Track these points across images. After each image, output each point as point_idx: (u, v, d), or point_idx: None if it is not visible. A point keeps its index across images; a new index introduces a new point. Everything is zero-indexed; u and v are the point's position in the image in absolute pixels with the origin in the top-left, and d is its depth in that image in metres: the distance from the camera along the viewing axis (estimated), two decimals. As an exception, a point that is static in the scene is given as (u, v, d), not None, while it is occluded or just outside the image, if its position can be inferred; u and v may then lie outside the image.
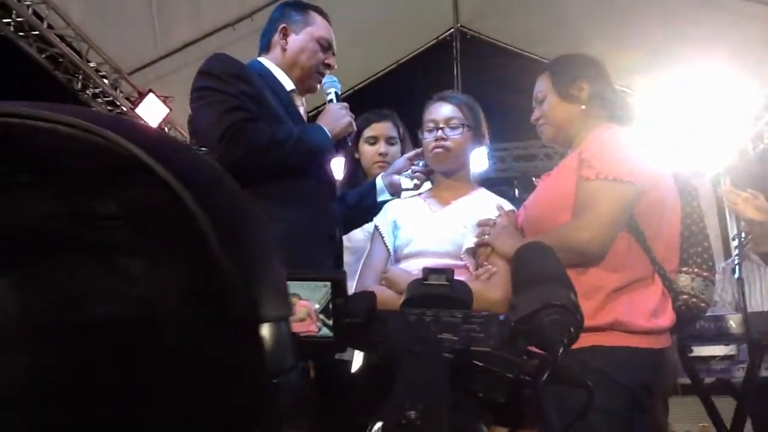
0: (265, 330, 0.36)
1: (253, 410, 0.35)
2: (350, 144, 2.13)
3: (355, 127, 2.08)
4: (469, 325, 0.70)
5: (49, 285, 0.30)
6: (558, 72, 1.91)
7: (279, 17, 2.12)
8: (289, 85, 2.06)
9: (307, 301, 0.74)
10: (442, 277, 0.77)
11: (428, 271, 0.78)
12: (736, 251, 3.27)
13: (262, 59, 2.09)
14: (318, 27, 2.10)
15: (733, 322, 2.88)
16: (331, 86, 2.11)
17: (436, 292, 0.76)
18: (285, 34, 2.08)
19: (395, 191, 2.17)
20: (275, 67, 2.06)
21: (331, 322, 0.73)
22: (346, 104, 2.09)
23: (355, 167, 2.51)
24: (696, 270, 1.75)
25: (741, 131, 5.67)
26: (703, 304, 1.74)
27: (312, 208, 1.91)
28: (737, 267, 3.06)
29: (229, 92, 1.83)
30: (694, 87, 5.31)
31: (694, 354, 3.23)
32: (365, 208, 2.18)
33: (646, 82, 5.61)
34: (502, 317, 0.71)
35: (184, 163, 0.37)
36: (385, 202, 2.16)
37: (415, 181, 2.13)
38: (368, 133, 2.52)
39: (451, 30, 7.12)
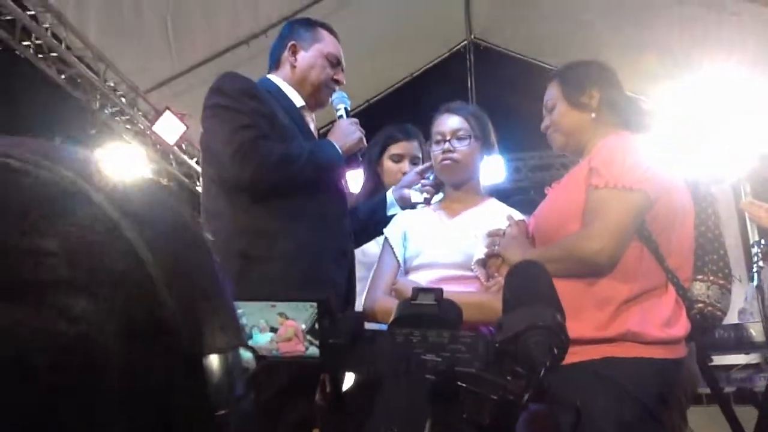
0: (211, 362, 0.35)
1: None
2: (361, 159, 2.13)
3: (365, 143, 2.09)
4: (455, 345, 0.70)
5: None
6: (567, 79, 1.89)
7: (288, 35, 2.13)
8: (299, 101, 2.07)
9: (294, 321, 0.74)
10: (430, 296, 0.77)
11: (417, 291, 0.78)
12: (755, 258, 3.22)
13: (272, 76, 2.11)
14: (326, 43, 2.11)
15: (753, 331, 2.84)
16: (340, 102, 2.11)
17: (425, 311, 0.76)
18: (294, 51, 2.09)
19: (405, 205, 2.17)
20: (285, 84, 2.07)
21: (318, 342, 0.73)
22: (356, 120, 2.10)
23: (375, 182, 2.49)
24: (712, 278, 1.72)
25: (762, 137, 5.59)
26: (719, 313, 1.71)
27: (324, 224, 1.91)
28: (756, 275, 3.01)
29: (241, 110, 1.85)
30: (713, 93, 5.26)
31: (714, 363, 3.18)
32: (376, 221, 2.19)
33: (665, 89, 5.56)
34: (487, 337, 0.71)
35: (125, 192, 0.36)
36: (395, 215, 2.16)
37: (425, 194, 2.13)
38: (394, 150, 2.50)
39: (465, 42, 7.13)
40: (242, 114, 1.84)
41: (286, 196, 1.85)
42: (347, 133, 2.02)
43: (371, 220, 2.22)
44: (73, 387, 0.30)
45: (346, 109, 2.11)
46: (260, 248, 1.78)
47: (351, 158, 2.05)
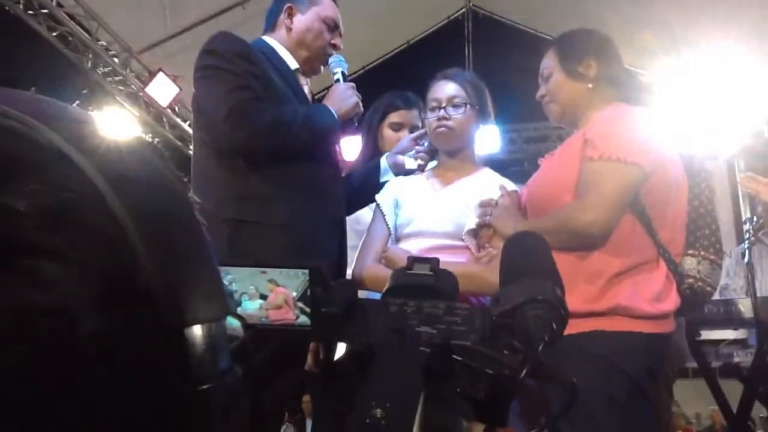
0: (193, 334, 0.34)
1: (181, 420, 0.33)
2: (357, 125, 2.10)
3: (361, 108, 2.04)
4: (451, 318, 0.69)
5: None
6: (565, 48, 1.86)
7: None
8: (293, 64, 2.02)
9: (285, 288, 0.72)
10: (426, 267, 0.75)
11: (413, 260, 0.76)
12: (747, 235, 3.23)
13: (267, 38, 2.06)
14: (324, 7, 2.06)
15: (742, 307, 2.85)
16: (337, 66, 2.07)
17: (420, 282, 0.74)
18: (291, 14, 2.04)
19: (399, 171, 2.15)
20: (280, 46, 2.03)
21: (308, 311, 0.72)
22: (353, 84, 2.05)
23: (373, 150, 2.44)
24: (703, 253, 1.71)
25: (756, 113, 5.58)
26: (709, 288, 1.71)
27: (317, 192, 1.89)
28: (747, 251, 3.02)
29: (234, 71, 1.81)
30: (709, 69, 5.24)
31: (702, 338, 3.21)
32: (369, 188, 2.16)
33: (662, 64, 5.53)
34: (485, 310, 0.70)
35: (108, 155, 0.34)
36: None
37: (419, 161, 2.11)
38: (394, 118, 2.45)
39: (463, 9, 7.05)
40: (235, 75, 1.80)
41: (279, 161, 1.81)
42: (343, 98, 1.99)
43: (365, 186, 2.19)
44: (45, 360, 0.28)
45: (343, 72, 2.07)
46: (252, 214, 1.76)
47: (347, 123, 2.02)
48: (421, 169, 2.10)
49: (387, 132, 2.46)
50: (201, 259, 0.38)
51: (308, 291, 0.72)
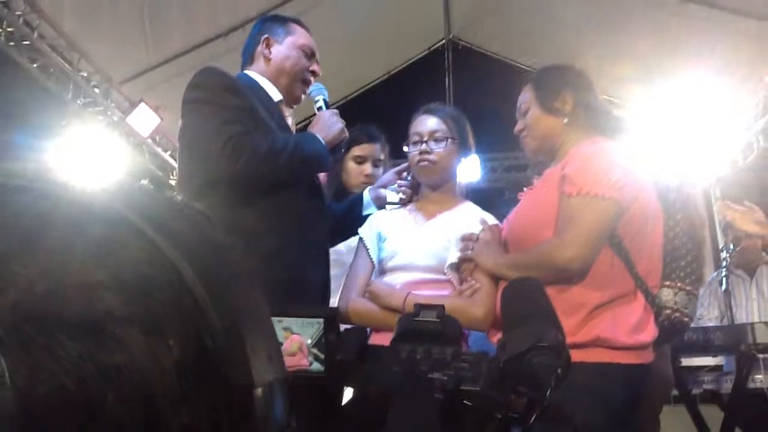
0: (260, 393, 0.36)
1: None
2: (342, 151, 2.13)
3: (347, 133, 2.07)
4: (459, 363, 0.70)
5: (43, 360, 0.28)
6: (541, 84, 1.90)
7: (260, 30, 2.13)
8: (276, 96, 2.05)
9: (299, 336, 0.74)
10: (432, 314, 0.77)
11: (420, 307, 0.78)
12: (724, 263, 3.28)
13: (249, 72, 2.09)
14: (300, 36, 2.11)
15: (720, 334, 2.89)
16: (318, 93, 2.10)
17: (428, 328, 0.76)
18: (268, 45, 2.08)
19: (381, 205, 2.17)
20: (262, 78, 2.06)
21: (323, 357, 0.73)
22: (336, 111, 2.09)
23: (337, 183, 2.51)
24: (679, 284, 1.75)
25: (731, 142, 5.69)
26: (686, 319, 1.74)
27: (305, 221, 1.90)
28: (724, 279, 3.06)
29: (224, 105, 1.83)
30: (684, 99, 5.34)
31: (683, 365, 3.24)
32: (351, 221, 2.18)
33: (638, 94, 5.64)
34: (490, 356, 0.72)
35: (177, 227, 0.36)
36: (370, 215, 2.16)
37: (401, 195, 2.13)
38: (357, 152, 2.52)
39: (443, 41, 7.15)
40: (226, 109, 1.82)
41: (268, 192, 1.83)
42: (329, 124, 2.01)
43: (347, 219, 2.21)
44: (137, 421, 0.30)
45: (324, 100, 2.10)
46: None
47: (334, 149, 2.04)
48: (402, 202, 2.12)
49: (350, 165, 2.52)
50: (261, 319, 0.40)
51: (323, 339, 0.74)
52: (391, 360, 0.73)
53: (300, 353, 0.74)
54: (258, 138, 1.81)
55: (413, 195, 2.14)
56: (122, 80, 5.58)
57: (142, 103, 5.45)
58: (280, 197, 1.85)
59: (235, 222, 1.78)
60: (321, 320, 0.74)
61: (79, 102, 5.47)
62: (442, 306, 0.79)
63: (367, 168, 2.49)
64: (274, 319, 0.75)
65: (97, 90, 5.53)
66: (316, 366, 0.74)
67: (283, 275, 1.74)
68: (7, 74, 4.82)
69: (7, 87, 4.92)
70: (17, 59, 4.78)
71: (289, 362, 0.74)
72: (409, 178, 2.16)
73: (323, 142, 1.96)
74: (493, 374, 0.70)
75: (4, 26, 4.62)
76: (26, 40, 4.77)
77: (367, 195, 2.22)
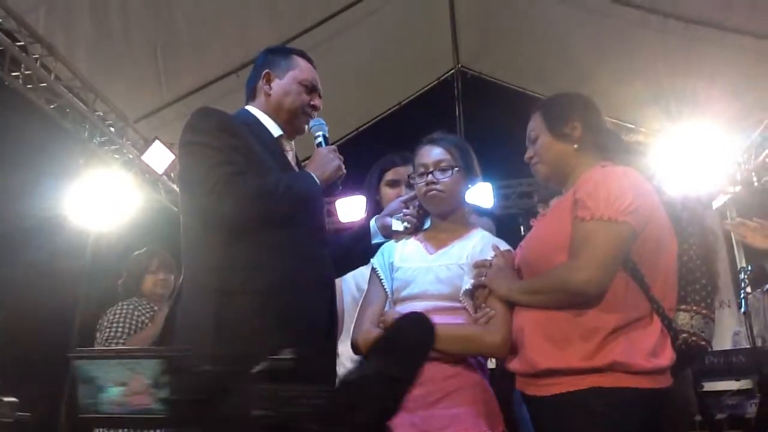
0: None
1: None
2: (340, 188, 2.11)
3: (344, 170, 2.04)
4: (299, 401, 0.74)
5: None
6: (550, 111, 1.92)
7: (262, 63, 2.13)
8: (276, 131, 2.05)
9: (142, 376, 0.76)
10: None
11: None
12: (743, 285, 3.24)
13: (249, 107, 2.10)
14: (301, 70, 2.10)
15: (742, 357, 2.85)
16: (318, 129, 2.09)
17: (282, 366, 0.79)
18: (269, 80, 2.08)
19: (387, 233, 2.16)
20: (262, 114, 2.06)
21: (162, 397, 0.76)
22: (334, 147, 2.07)
23: (375, 209, 2.46)
24: (695, 307, 1.73)
25: (744, 162, 5.67)
26: (703, 343, 1.71)
27: (302, 256, 1.88)
28: (743, 301, 3.02)
29: (215, 146, 1.82)
30: (696, 121, 5.34)
31: (705, 389, 3.18)
32: (360, 250, 2.17)
33: (651, 115, 5.65)
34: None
35: None
36: (379, 244, 2.15)
37: (405, 224, 2.12)
38: (390, 176, 2.51)
39: (452, 71, 7.22)
40: (217, 150, 1.81)
41: (262, 230, 1.81)
42: (325, 162, 2.00)
43: (355, 248, 2.20)
44: None
45: (324, 135, 2.09)
46: (236, 284, 1.74)
47: (331, 187, 2.02)
48: (407, 231, 2.12)
49: (385, 190, 2.51)
50: None
51: (163, 379, 0.76)
52: (237, 401, 0.75)
53: (144, 393, 0.76)
54: (248, 180, 1.80)
55: (419, 224, 2.14)
56: (137, 118, 5.67)
57: (157, 141, 5.53)
58: (278, 233, 1.83)
59: (229, 259, 1.78)
60: (161, 360, 0.76)
61: (95, 141, 5.57)
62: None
63: (402, 190, 2.46)
64: (119, 361, 0.78)
65: (112, 129, 5.62)
66: (156, 406, 0.76)
67: (284, 309, 1.73)
68: (25, 115, 4.92)
69: (25, 128, 5.02)
70: (35, 101, 4.88)
71: (136, 401, 0.76)
72: (416, 206, 2.15)
73: (317, 181, 1.95)
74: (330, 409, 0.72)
75: (22, 69, 4.73)
76: (43, 82, 4.88)
77: (373, 224, 2.21)
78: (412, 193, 2.17)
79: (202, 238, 1.83)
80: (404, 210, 2.15)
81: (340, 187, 2.08)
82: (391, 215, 2.18)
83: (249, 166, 1.84)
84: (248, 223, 1.79)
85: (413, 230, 2.13)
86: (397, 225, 2.12)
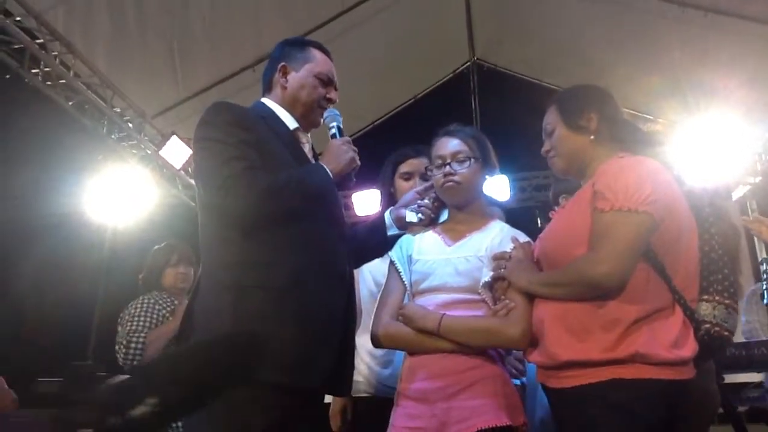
0: None
1: None
2: (354, 180, 2.09)
3: (358, 162, 2.02)
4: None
5: None
6: (565, 104, 1.90)
7: (278, 56, 2.11)
8: (292, 123, 2.04)
9: None
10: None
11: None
12: (765, 276, 3.21)
13: (265, 100, 2.09)
14: (317, 63, 2.09)
15: (764, 348, 2.82)
16: (333, 120, 2.08)
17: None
18: (285, 73, 2.07)
19: (402, 225, 2.15)
20: (277, 106, 2.05)
21: None
22: (348, 139, 2.05)
23: (390, 202, 2.47)
24: (717, 298, 1.71)
25: (764, 154, 5.60)
26: (726, 333, 1.70)
27: (318, 250, 1.87)
28: (765, 292, 3.00)
29: (228, 142, 1.81)
30: (714, 110, 5.28)
31: (726, 382, 3.16)
32: (375, 242, 2.17)
33: (670, 107, 5.59)
34: None
35: None
36: (394, 236, 2.14)
37: (420, 215, 2.10)
38: (404, 168, 2.52)
39: (468, 63, 7.19)
40: (229, 146, 1.80)
41: (276, 225, 1.80)
42: (338, 154, 1.98)
43: (370, 240, 2.18)
44: None
45: (338, 126, 2.07)
46: (253, 279, 1.74)
47: (345, 179, 2.00)
48: (422, 223, 2.11)
49: (399, 182, 2.51)
50: None
51: None
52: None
53: None
54: (259, 175, 1.79)
55: (434, 215, 2.12)
56: (154, 114, 5.72)
57: (174, 136, 5.57)
58: (290, 227, 1.82)
59: (246, 254, 1.78)
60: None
61: (113, 137, 5.62)
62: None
63: (416, 182, 2.45)
64: None
65: (130, 125, 5.67)
66: None
67: (301, 304, 1.74)
68: (44, 112, 4.97)
69: (45, 125, 5.07)
70: (54, 98, 4.93)
71: None
72: (432, 198, 2.14)
73: (330, 173, 1.93)
74: None
75: (41, 67, 4.78)
76: (62, 79, 4.93)
77: (388, 215, 2.20)
78: (426, 184, 2.17)
79: (218, 234, 1.83)
80: (418, 201, 2.14)
81: (354, 179, 2.05)
82: (405, 207, 2.17)
83: (263, 159, 1.83)
84: (261, 219, 1.78)
85: (427, 222, 2.12)
86: (411, 216, 2.11)
